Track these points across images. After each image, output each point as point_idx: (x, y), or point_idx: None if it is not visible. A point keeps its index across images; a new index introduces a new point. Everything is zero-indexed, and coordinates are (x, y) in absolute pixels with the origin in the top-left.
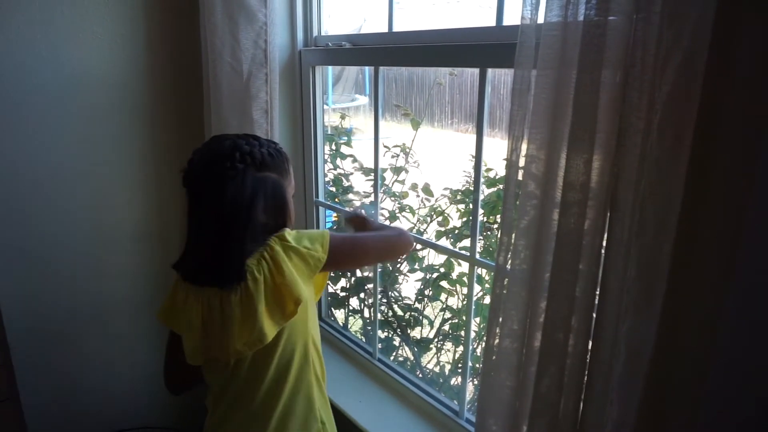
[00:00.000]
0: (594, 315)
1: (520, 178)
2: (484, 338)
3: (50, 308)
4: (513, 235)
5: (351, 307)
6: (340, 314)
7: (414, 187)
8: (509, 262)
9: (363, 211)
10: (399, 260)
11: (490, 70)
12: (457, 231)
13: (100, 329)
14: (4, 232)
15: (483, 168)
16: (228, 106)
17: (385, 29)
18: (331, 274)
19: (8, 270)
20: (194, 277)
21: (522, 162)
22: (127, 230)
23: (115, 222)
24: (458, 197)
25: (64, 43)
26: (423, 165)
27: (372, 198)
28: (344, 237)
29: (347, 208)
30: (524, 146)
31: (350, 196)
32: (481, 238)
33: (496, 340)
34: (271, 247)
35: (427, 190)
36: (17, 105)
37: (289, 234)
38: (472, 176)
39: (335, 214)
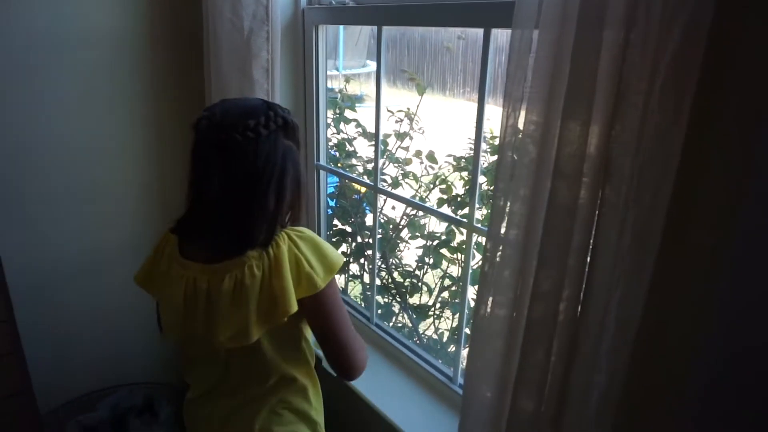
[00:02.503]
0: (584, 284)
1: (516, 143)
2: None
3: (51, 262)
4: (507, 201)
5: (351, 272)
6: (340, 279)
7: (418, 153)
8: (503, 228)
9: None
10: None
11: (498, 32)
12: (459, 199)
13: (100, 284)
14: (6, 187)
15: (487, 135)
16: (228, 64)
17: None
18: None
19: (9, 225)
20: (195, 247)
21: (520, 125)
22: (127, 185)
23: (115, 176)
24: (462, 165)
25: (67, 4)
26: (430, 132)
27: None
28: (337, 295)
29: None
30: (522, 111)
31: (353, 161)
32: (481, 206)
33: (488, 308)
34: (277, 244)
35: (431, 157)
36: (22, 59)
37: (300, 237)
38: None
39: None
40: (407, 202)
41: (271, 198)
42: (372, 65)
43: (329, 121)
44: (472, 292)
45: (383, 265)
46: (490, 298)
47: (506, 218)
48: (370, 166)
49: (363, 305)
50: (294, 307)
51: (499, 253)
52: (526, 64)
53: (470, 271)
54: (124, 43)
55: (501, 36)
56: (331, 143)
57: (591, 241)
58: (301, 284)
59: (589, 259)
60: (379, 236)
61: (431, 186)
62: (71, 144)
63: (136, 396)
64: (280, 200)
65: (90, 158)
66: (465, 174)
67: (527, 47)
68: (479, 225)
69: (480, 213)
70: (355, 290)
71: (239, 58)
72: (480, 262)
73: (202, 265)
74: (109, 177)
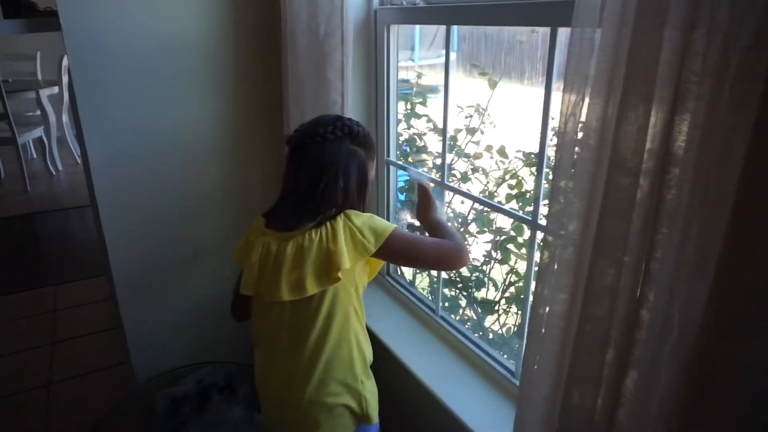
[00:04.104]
0: (645, 283)
1: (575, 142)
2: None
3: (149, 250)
4: (566, 201)
5: None
6: (407, 270)
7: (489, 148)
8: (561, 224)
9: (430, 185)
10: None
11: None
12: (528, 195)
13: (191, 270)
14: (113, 187)
15: (551, 131)
16: (304, 65)
17: None
18: None
19: (115, 220)
20: (275, 220)
21: (579, 124)
22: (213, 186)
23: (203, 177)
24: (532, 160)
25: (162, 8)
26: (503, 125)
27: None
28: (406, 238)
29: (411, 170)
30: (584, 110)
31: (423, 156)
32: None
33: (545, 304)
34: (335, 219)
35: (502, 152)
36: (121, 71)
37: (357, 216)
38: (550, 138)
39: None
40: (472, 198)
41: (334, 188)
42: (450, 54)
43: (400, 116)
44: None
45: None
46: (548, 294)
47: (565, 214)
48: (439, 161)
49: (430, 298)
50: (345, 264)
51: (558, 249)
52: (586, 64)
53: (534, 268)
54: (209, 47)
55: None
56: (402, 138)
57: (651, 239)
58: (357, 248)
59: (650, 258)
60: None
61: (500, 181)
62: (168, 141)
63: (219, 373)
64: (344, 192)
65: (181, 154)
66: (535, 169)
67: (588, 47)
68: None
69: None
70: (422, 282)
71: (315, 60)
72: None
73: (276, 233)
74: (198, 174)
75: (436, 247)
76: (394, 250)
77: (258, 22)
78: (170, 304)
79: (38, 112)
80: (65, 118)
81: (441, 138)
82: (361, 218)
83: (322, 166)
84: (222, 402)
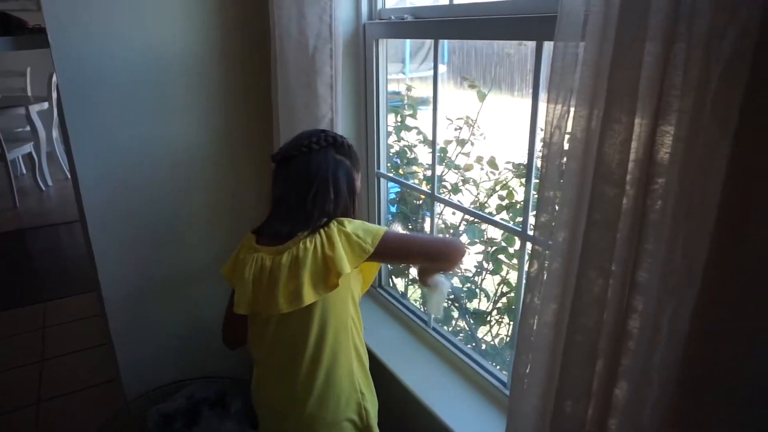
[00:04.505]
0: (633, 292)
1: (561, 153)
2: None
3: (139, 266)
4: (553, 212)
5: (411, 276)
6: (400, 282)
7: (479, 159)
8: (549, 234)
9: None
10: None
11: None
12: (519, 206)
13: (181, 285)
14: (102, 203)
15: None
16: (294, 79)
17: (447, 1)
18: None
19: (105, 235)
20: (266, 235)
21: (565, 139)
22: (203, 201)
23: (193, 193)
24: (521, 171)
25: (150, 23)
26: (493, 136)
27: (428, 171)
28: (399, 235)
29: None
30: (569, 122)
31: (413, 168)
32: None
33: (533, 314)
34: (329, 226)
35: (492, 163)
36: (110, 87)
37: (349, 222)
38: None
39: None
40: (462, 210)
41: (324, 197)
42: (440, 67)
43: (391, 128)
44: None
45: None
46: (537, 305)
47: (552, 224)
48: (429, 173)
49: (422, 309)
50: (346, 269)
51: (546, 259)
52: (570, 77)
53: (525, 279)
54: (199, 62)
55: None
56: (393, 150)
57: (637, 249)
58: (354, 251)
59: (637, 268)
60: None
61: (491, 192)
62: (157, 157)
63: (210, 389)
64: (335, 201)
65: (170, 169)
66: (525, 180)
67: (572, 61)
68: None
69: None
70: (415, 294)
71: (305, 75)
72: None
73: (269, 248)
74: (187, 189)
75: (430, 242)
76: (390, 249)
77: (247, 37)
78: (160, 320)
79: (28, 128)
80: (55, 133)
81: (430, 150)
82: (353, 223)
83: (310, 175)
84: (213, 417)
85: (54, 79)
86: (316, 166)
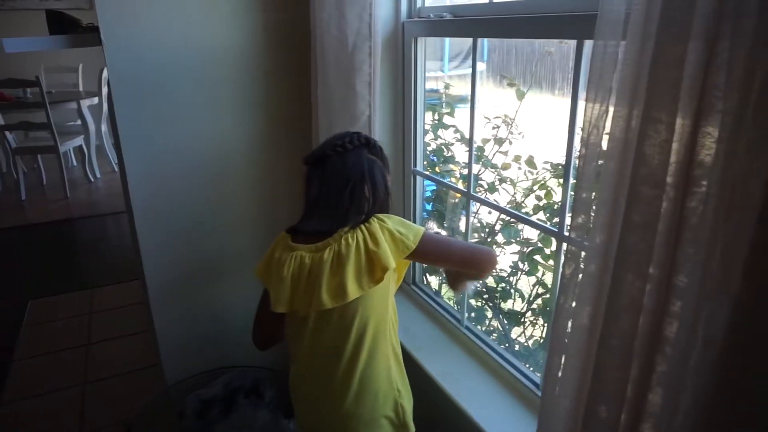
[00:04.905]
0: (670, 297)
1: (599, 154)
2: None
3: (182, 257)
4: (590, 213)
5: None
6: (434, 280)
7: (517, 158)
8: (587, 238)
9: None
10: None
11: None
12: (557, 206)
13: (221, 277)
14: (149, 195)
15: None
16: (334, 77)
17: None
18: None
19: (150, 227)
20: (303, 233)
21: (602, 138)
22: (242, 199)
23: (235, 188)
24: (560, 171)
25: (197, 23)
26: (532, 135)
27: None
28: (437, 237)
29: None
30: (608, 122)
31: (450, 166)
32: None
33: (567, 316)
34: (369, 222)
35: (530, 162)
36: (158, 84)
37: (388, 218)
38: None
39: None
40: (498, 209)
41: (361, 194)
42: (479, 65)
43: (428, 126)
44: None
45: None
46: (571, 307)
47: (589, 225)
48: (466, 171)
49: (456, 308)
50: (392, 264)
51: (582, 261)
52: (609, 76)
53: (560, 280)
54: (242, 60)
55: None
56: (430, 148)
57: (676, 253)
58: (398, 247)
59: (676, 272)
60: (474, 240)
61: (528, 192)
62: (200, 151)
63: (246, 378)
64: (371, 198)
65: (214, 164)
66: (562, 180)
67: (611, 60)
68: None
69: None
70: (448, 292)
71: (344, 72)
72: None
73: (307, 245)
74: (229, 185)
75: (467, 247)
76: (429, 249)
77: (289, 37)
78: (200, 310)
79: (79, 122)
80: (104, 127)
81: (468, 148)
82: (392, 219)
83: (346, 173)
84: (248, 406)
85: (104, 74)
86: (352, 165)
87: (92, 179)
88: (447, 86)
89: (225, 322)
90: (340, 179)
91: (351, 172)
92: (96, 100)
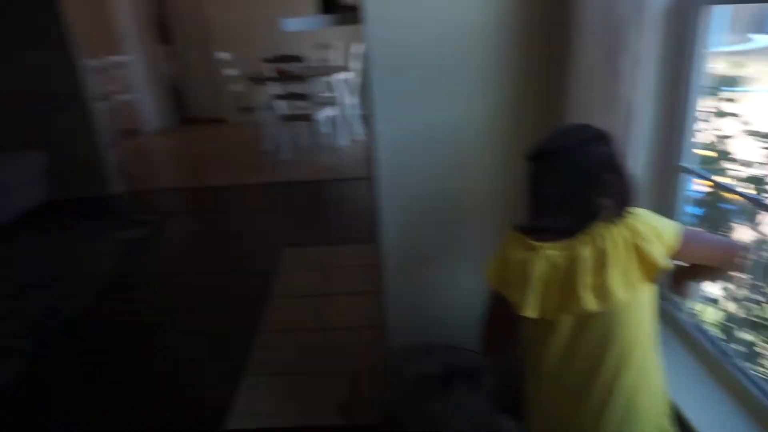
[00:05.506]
0: None
1: None
2: None
3: (417, 229)
4: None
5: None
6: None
7: None
8: None
9: None
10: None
11: None
12: None
13: (453, 258)
14: (395, 168)
15: None
16: (593, 58)
17: None
18: None
19: (393, 194)
20: (546, 231)
21: None
22: (479, 185)
23: (477, 173)
24: None
25: (451, 4)
26: None
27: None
28: (695, 232)
29: None
30: None
31: (728, 164)
32: None
33: None
34: (624, 218)
35: None
36: (413, 64)
37: (642, 212)
38: None
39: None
40: None
41: (606, 188)
42: (757, 39)
43: (703, 115)
44: None
45: (756, 295)
46: None
47: None
48: (755, 172)
49: (725, 337)
50: (663, 261)
51: None
52: None
53: None
54: (492, 41)
55: None
56: (701, 140)
57: None
58: (664, 242)
59: None
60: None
61: None
62: (446, 133)
63: (466, 361)
64: (617, 193)
65: (457, 146)
66: None
67: None
68: None
69: None
70: (709, 311)
71: (606, 50)
72: None
73: (555, 244)
74: (471, 168)
75: (724, 241)
76: (690, 247)
77: (540, 12)
78: (430, 283)
79: (329, 94)
80: (351, 100)
81: (763, 145)
82: (646, 214)
83: (590, 168)
84: (464, 391)
85: (352, 50)
86: (594, 159)
87: (338, 147)
88: (734, 65)
89: (452, 299)
90: (583, 174)
91: (594, 167)
92: (344, 74)
